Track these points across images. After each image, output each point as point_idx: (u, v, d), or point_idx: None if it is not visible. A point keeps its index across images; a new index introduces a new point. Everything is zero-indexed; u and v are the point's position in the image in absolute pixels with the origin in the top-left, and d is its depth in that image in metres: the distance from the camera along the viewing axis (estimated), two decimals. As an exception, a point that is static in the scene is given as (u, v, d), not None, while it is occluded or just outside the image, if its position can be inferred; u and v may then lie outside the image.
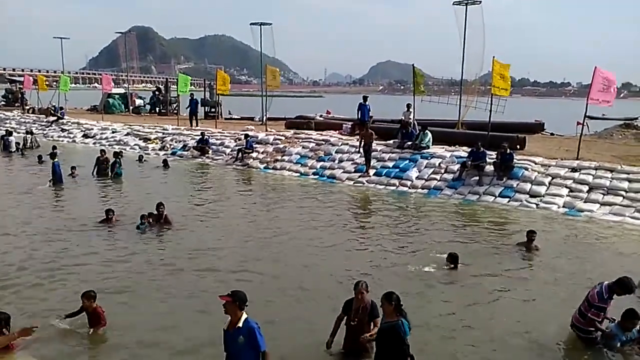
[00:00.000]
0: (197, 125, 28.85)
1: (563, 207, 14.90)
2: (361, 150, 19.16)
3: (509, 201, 15.57)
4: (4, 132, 27.62)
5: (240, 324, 5.24)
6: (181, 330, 7.44)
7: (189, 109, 30.27)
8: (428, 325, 7.63)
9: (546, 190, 15.62)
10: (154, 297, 8.63)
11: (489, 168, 16.77)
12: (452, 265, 10.06)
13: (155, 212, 12.62)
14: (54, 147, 23.62)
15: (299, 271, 9.99)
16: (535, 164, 16.77)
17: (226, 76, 30.29)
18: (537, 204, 15.17)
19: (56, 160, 17.80)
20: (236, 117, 36.36)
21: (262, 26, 31.04)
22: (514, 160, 16.56)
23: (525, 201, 15.37)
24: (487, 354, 7.13)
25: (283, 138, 22.99)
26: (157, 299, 8.56)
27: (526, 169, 16.45)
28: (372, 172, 18.56)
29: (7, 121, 36.35)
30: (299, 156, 21.14)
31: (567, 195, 15.31)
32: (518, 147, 18.47)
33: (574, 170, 16.20)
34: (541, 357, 7.07)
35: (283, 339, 6.94)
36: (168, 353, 6.93)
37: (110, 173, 19.06)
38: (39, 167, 20.92)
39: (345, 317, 6.60)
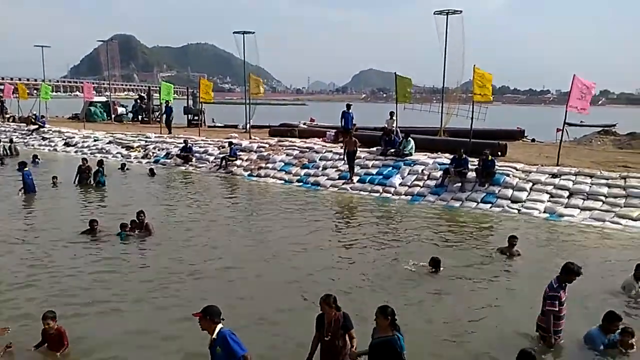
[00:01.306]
0: (170, 132, 29.01)
1: (544, 212, 15.11)
2: (345, 157, 19.22)
3: (491, 207, 15.76)
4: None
5: (215, 335, 5.32)
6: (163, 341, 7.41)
7: (164, 116, 30.26)
8: (410, 329, 7.68)
9: (527, 196, 15.84)
10: (130, 309, 8.53)
11: (471, 174, 16.97)
12: (434, 269, 10.16)
13: (136, 220, 12.53)
14: (35, 156, 23.48)
15: (282, 277, 9.98)
16: (517, 170, 17.00)
17: (209, 84, 30.26)
18: (518, 210, 15.37)
19: (26, 169, 17.46)
20: (219, 125, 36.30)
21: (245, 35, 31.09)
22: (496, 167, 16.77)
23: (507, 207, 15.56)
24: (464, 356, 7.21)
25: (267, 146, 23.01)
26: (134, 310, 8.49)
27: (507, 175, 16.67)
28: (355, 179, 18.67)
29: (-13, 130, 35.88)
30: (283, 163, 21.17)
31: (548, 201, 15.53)
32: (499, 153, 18.70)
33: (554, 176, 16.45)
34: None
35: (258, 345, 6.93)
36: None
37: (92, 181, 18.89)
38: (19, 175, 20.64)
39: (318, 334, 6.17)
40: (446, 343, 7.51)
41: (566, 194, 15.63)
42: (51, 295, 8.83)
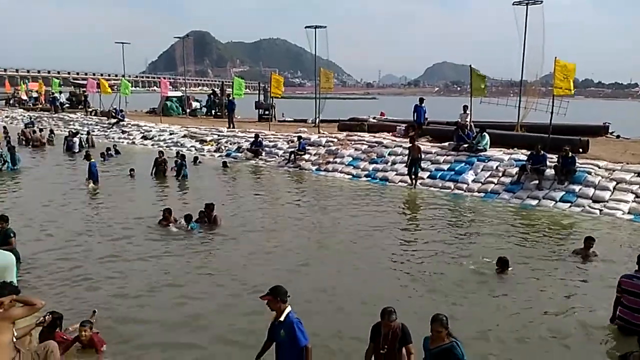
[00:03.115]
0: (233, 127, 29.49)
1: (628, 213, 14.15)
2: (407, 165, 18.14)
3: (570, 206, 14.92)
4: (67, 133, 28.77)
5: (282, 318, 5.34)
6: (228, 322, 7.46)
7: (226, 110, 30.90)
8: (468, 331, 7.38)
9: (610, 196, 14.88)
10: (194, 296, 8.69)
11: (550, 172, 16.12)
12: (501, 270, 9.74)
13: (205, 212, 12.75)
14: (108, 149, 24.58)
15: (349, 273, 9.86)
16: (599, 168, 16.01)
17: (280, 79, 30.49)
18: (600, 210, 14.46)
19: (93, 160, 18.25)
20: (289, 119, 36.59)
21: (316, 29, 31.16)
22: (576, 164, 15.85)
23: (587, 206, 14.67)
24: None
25: (335, 140, 22.92)
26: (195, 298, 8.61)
27: (589, 173, 15.72)
28: (425, 174, 18.14)
29: (72, 123, 37.97)
30: (351, 158, 21.01)
31: (632, 201, 14.52)
32: (581, 150, 17.69)
33: (640, 174, 15.37)
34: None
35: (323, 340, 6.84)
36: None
37: (177, 175, 19.50)
38: (102, 165, 21.82)
39: (373, 346, 5.82)
40: (509, 345, 7.20)
41: (654, 194, 14.56)
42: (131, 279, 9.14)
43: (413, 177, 17.82)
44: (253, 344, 6.29)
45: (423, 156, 18.11)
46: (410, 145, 18.01)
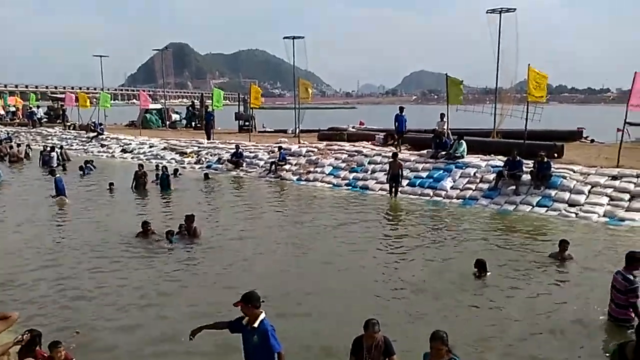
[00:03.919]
0: (211, 138, 29.56)
1: (604, 216, 14.48)
2: (388, 179, 18.06)
3: (547, 210, 15.22)
4: (42, 148, 28.38)
5: (256, 324, 5.31)
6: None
7: (204, 122, 30.92)
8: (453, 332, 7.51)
9: (586, 199, 15.21)
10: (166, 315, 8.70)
11: (526, 177, 16.43)
12: (479, 272, 9.94)
13: (184, 224, 12.72)
14: (87, 162, 24.41)
15: (332, 281, 9.95)
16: (574, 172, 16.36)
17: (259, 90, 30.61)
18: (576, 214, 14.77)
19: (58, 175, 18.20)
20: (270, 130, 36.67)
21: (294, 40, 31.38)
22: (552, 169, 16.19)
23: (564, 210, 14.98)
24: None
25: (316, 150, 23.06)
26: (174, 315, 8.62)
27: (564, 177, 16.05)
28: (405, 182, 18.31)
29: (50, 137, 37.57)
30: (331, 167, 21.15)
31: (607, 204, 14.86)
32: (556, 155, 18.07)
33: (614, 178, 15.73)
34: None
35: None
36: None
37: (162, 188, 19.53)
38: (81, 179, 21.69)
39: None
40: (492, 346, 7.36)
41: (627, 197, 14.91)
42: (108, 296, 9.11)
43: (393, 190, 17.78)
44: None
45: (403, 167, 18.18)
46: (392, 160, 17.92)
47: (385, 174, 18.75)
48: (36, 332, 6.61)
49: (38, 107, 48.78)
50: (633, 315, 7.51)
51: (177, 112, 45.79)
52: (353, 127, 30.18)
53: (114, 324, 8.16)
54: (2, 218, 15.52)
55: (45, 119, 46.10)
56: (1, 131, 42.07)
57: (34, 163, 27.38)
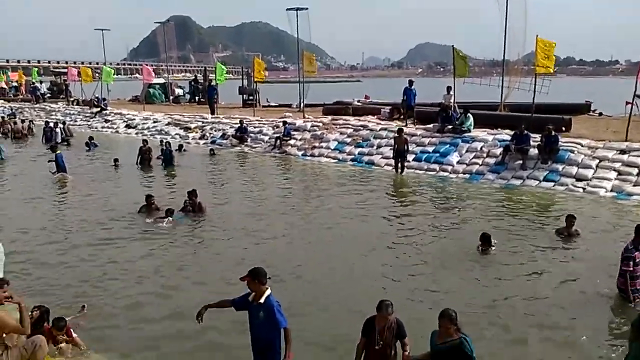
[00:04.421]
0: (215, 113, 29.29)
1: (611, 191, 14.35)
2: (394, 155, 17.80)
3: (554, 185, 15.10)
4: (44, 124, 28.21)
5: (262, 300, 5.34)
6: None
7: (207, 96, 30.61)
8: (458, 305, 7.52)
9: (593, 174, 15.06)
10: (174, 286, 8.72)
11: (533, 151, 16.26)
12: (484, 247, 9.91)
13: (188, 200, 12.65)
14: (91, 138, 24.36)
15: (336, 259, 9.92)
16: (582, 146, 16.17)
17: (262, 63, 30.30)
18: (583, 188, 14.65)
19: (58, 152, 18.06)
20: (274, 104, 36.41)
21: (298, 11, 30.91)
22: (559, 143, 16.00)
23: (571, 185, 14.86)
24: (517, 333, 7.10)
25: (321, 124, 22.87)
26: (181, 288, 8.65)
27: (572, 151, 15.88)
28: (411, 157, 18.17)
29: (53, 113, 37.44)
30: (336, 142, 21.02)
31: (615, 179, 14.72)
32: (563, 129, 17.85)
33: (622, 152, 15.54)
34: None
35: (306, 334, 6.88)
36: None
37: (165, 164, 19.42)
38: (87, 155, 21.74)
39: (366, 341, 5.59)
40: (488, 322, 7.36)
41: (635, 171, 14.74)
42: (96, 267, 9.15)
43: (399, 166, 17.59)
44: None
45: (409, 141, 17.97)
46: (397, 135, 17.67)
47: (390, 149, 18.62)
48: (44, 308, 6.67)
49: (41, 82, 48.48)
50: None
51: (180, 87, 45.50)
52: (358, 101, 29.89)
53: (120, 300, 8.18)
54: (6, 195, 15.53)
55: (48, 95, 45.85)
56: (5, 107, 42.00)
57: (38, 139, 27.33)
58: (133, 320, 7.58)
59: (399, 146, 17.50)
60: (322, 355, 6.66)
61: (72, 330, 6.64)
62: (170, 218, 12.05)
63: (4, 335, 5.33)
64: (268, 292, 5.39)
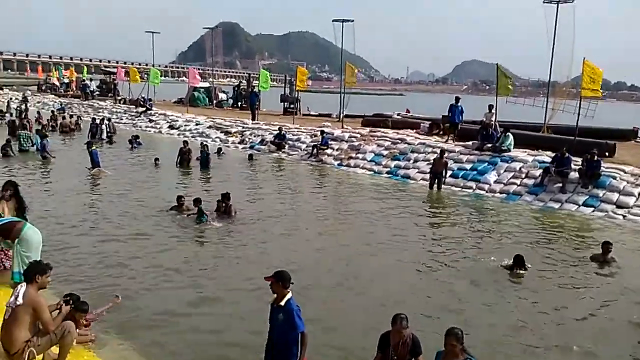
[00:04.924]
0: (256, 119, 29.62)
1: (653, 220, 13.89)
2: (430, 178, 17.39)
3: (593, 211, 14.71)
4: (91, 120, 29.02)
5: (282, 303, 5.45)
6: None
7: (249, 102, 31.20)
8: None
9: (635, 202, 14.62)
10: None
11: (574, 175, 15.88)
12: (517, 268, 9.72)
13: (221, 202, 12.85)
14: (136, 137, 25.01)
15: (364, 269, 9.91)
16: (625, 172, 15.74)
17: (305, 71, 30.60)
18: (624, 216, 14.23)
19: (94, 148, 18.62)
20: (314, 113, 36.67)
21: (343, 23, 31.13)
22: (602, 168, 15.60)
23: (611, 212, 14.45)
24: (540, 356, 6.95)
25: (359, 136, 22.90)
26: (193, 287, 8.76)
27: (614, 177, 15.46)
28: (448, 173, 17.89)
29: (101, 110, 38.61)
30: (373, 154, 20.99)
31: (658, 208, 14.24)
32: (607, 154, 17.40)
33: (668, 181, 15.04)
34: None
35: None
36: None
37: (202, 166, 19.74)
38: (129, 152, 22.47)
39: (382, 357, 5.61)
40: (521, 340, 7.20)
41: (681, 201, 14.25)
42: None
43: (435, 185, 17.14)
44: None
45: (448, 165, 17.57)
46: (438, 157, 17.25)
47: (428, 164, 18.46)
48: (75, 296, 6.88)
49: (91, 79, 50.15)
50: None
51: (224, 92, 46.29)
52: (398, 114, 29.83)
53: (150, 292, 8.43)
54: (47, 187, 16.05)
55: (97, 92, 47.38)
56: (55, 102, 43.57)
57: (84, 134, 28.17)
58: (156, 311, 7.78)
59: (437, 168, 17.13)
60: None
61: (90, 320, 6.87)
62: (195, 208, 12.33)
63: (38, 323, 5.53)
64: (289, 295, 5.50)
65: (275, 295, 5.55)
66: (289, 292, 5.50)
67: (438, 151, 17.92)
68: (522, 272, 9.70)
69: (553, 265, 10.39)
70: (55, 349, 5.63)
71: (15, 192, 8.58)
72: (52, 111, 34.40)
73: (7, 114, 33.75)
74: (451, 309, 8.28)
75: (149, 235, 11.33)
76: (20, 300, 5.30)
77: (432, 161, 18.06)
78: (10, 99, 42.59)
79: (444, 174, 17.14)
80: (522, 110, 24.56)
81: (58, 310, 5.92)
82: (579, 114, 18.33)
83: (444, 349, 5.19)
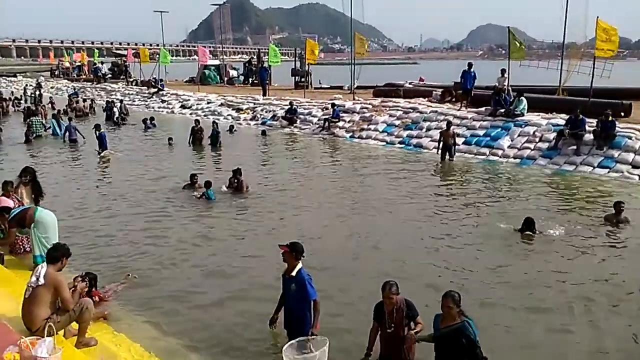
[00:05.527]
0: (267, 94, 29.57)
1: (670, 179, 13.70)
2: (439, 150, 16.95)
3: (608, 172, 14.55)
4: (104, 104, 29.21)
5: (294, 273, 5.70)
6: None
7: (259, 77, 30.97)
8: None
9: (651, 161, 14.41)
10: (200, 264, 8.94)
11: (588, 137, 15.66)
12: (527, 231, 9.71)
13: (233, 177, 12.98)
14: (151, 118, 25.15)
15: (379, 240, 9.94)
16: (641, 132, 15.47)
17: (315, 45, 30.31)
18: (639, 176, 14.04)
19: (102, 131, 18.88)
20: (325, 86, 36.43)
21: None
22: (617, 129, 15.35)
23: (626, 172, 14.28)
24: (557, 319, 6.92)
25: (370, 107, 22.75)
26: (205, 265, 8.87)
27: (629, 137, 15.21)
28: (460, 140, 17.84)
29: (113, 93, 38.86)
30: (385, 125, 20.88)
31: (675, 167, 14.03)
32: (622, 114, 17.09)
33: (685, 139, 14.77)
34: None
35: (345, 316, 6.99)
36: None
37: (212, 144, 19.79)
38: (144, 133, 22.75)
39: (378, 325, 5.57)
40: (521, 306, 7.24)
41: (698, 159, 14.02)
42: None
43: (447, 156, 16.79)
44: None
45: (460, 124, 17.36)
46: (445, 130, 16.97)
47: (441, 132, 18.31)
48: (92, 275, 7.09)
49: (102, 62, 50.35)
50: None
51: (235, 69, 46.15)
52: (410, 83, 29.50)
53: (166, 269, 8.54)
54: (64, 171, 16.28)
55: (109, 75, 47.59)
56: (68, 87, 43.92)
57: (99, 118, 28.42)
58: (173, 287, 7.91)
59: (446, 141, 16.82)
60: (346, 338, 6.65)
61: (105, 296, 7.09)
62: (205, 190, 12.41)
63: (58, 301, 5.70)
64: (299, 266, 5.73)
65: (286, 265, 5.78)
66: (299, 263, 5.73)
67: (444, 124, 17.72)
68: (532, 234, 9.68)
69: (565, 227, 10.29)
70: (75, 325, 5.81)
71: (33, 178, 9.17)
72: (69, 96, 34.68)
73: (21, 102, 34.16)
74: (458, 267, 8.41)
75: (164, 213, 11.50)
76: (42, 280, 5.46)
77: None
78: (26, 85, 43.00)
79: (454, 144, 17.01)
80: (537, 74, 24.10)
81: (73, 288, 6.09)
82: (593, 75, 17.97)
83: (442, 312, 5.20)
